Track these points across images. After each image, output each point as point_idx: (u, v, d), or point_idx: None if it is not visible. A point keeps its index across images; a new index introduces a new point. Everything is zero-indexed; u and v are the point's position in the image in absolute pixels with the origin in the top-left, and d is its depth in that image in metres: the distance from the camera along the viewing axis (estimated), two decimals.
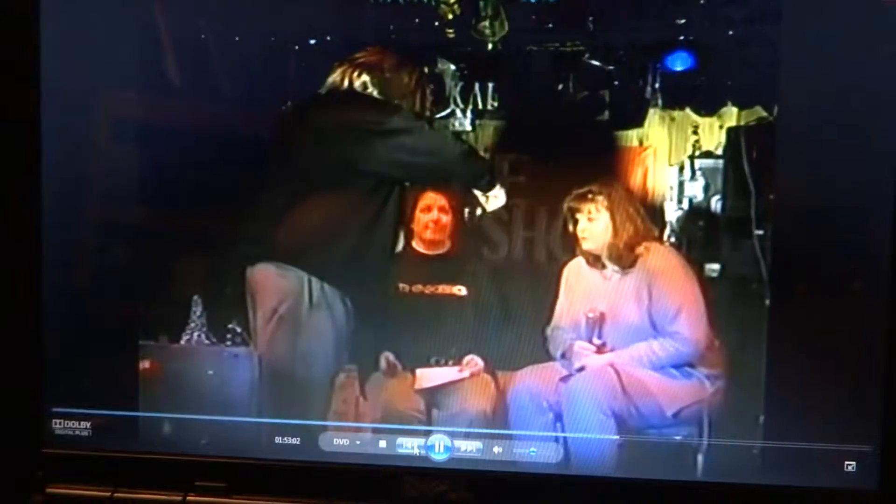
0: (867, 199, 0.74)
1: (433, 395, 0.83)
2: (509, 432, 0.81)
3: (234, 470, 0.82)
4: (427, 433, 0.82)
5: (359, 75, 0.81)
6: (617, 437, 0.79)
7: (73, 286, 0.83)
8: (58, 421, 0.83)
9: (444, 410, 0.83)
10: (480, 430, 0.81)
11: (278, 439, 0.82)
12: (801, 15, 0.73)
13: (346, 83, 0.81)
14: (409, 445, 0.81)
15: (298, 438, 0.82)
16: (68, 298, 0.83)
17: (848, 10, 0.73)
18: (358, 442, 0.82)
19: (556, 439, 0.80)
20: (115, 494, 0.81)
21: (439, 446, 0.81)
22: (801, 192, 0.75)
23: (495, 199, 0.80)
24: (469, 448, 0.81)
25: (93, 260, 0.83)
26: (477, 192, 0.81)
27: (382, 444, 0.82)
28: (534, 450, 0.80)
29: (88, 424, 0.83)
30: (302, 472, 0.81)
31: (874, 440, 0.75)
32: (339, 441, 0.82)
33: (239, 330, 0.83)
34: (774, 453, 0.76)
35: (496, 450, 0.81)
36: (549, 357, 0.80)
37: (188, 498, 0.81)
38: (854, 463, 0.76)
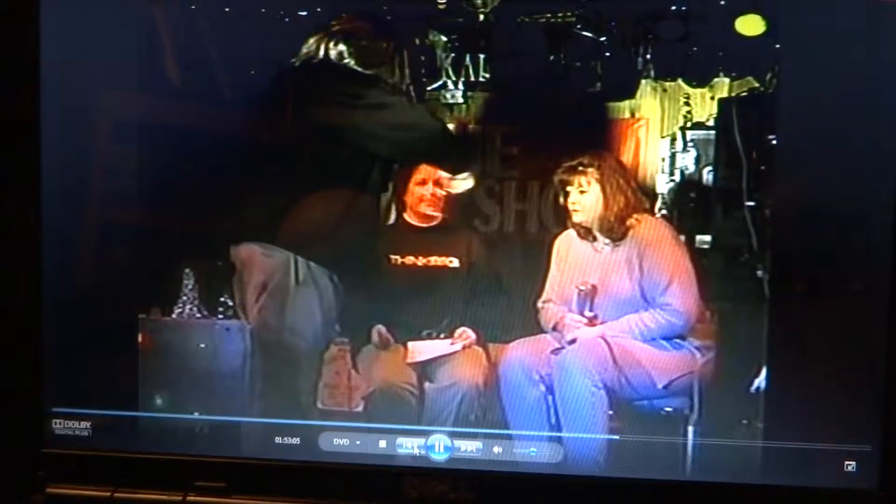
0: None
1: (425, 368, 0.83)
2: (509, 432, 0.80)
3: (233, 470, 0.81)
4: (427, 433, 0.81)
5: (335, 44, 0.80)
6: (617, 436, 0.79)
7: (72, 280, 0.82)
8: (58, 421, 0.83)
9: (435, 383, 0.83)
10: (480, 431, 0.81)
11: (278, 439, 0.82)
12: None
13: (321, 53, 0.80)
14: (409, 445, 0.81)
15: (298, 438, 0.82)
16: (68, 294, 0.82)
17: None
18: (358, 442, 0.82)
19: (556, 439, 0.80)
20: (115, 494, 0.81)
21: (439, 446, 0.81)
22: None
23: (463, 180, 0.80)
24: (469, 448, 0.81)
25: (92, 252, 0.83)
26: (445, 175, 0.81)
27: (382, 444, 0.81)
28: (534, 450, 0.80)
29: (88, 424, 0.83)
30: (302, 472, 0.81)
31: (874, 440, 0.75)
32: (339, 441, 0.82)
33: (230, 303, 0.83)
34: (774, 453, 0.76)
35: (496, 450, 0.80)
36: (540, 329, 0.80)
37: (188, 498, 0.80)
38: (854, 463, 0.76)
